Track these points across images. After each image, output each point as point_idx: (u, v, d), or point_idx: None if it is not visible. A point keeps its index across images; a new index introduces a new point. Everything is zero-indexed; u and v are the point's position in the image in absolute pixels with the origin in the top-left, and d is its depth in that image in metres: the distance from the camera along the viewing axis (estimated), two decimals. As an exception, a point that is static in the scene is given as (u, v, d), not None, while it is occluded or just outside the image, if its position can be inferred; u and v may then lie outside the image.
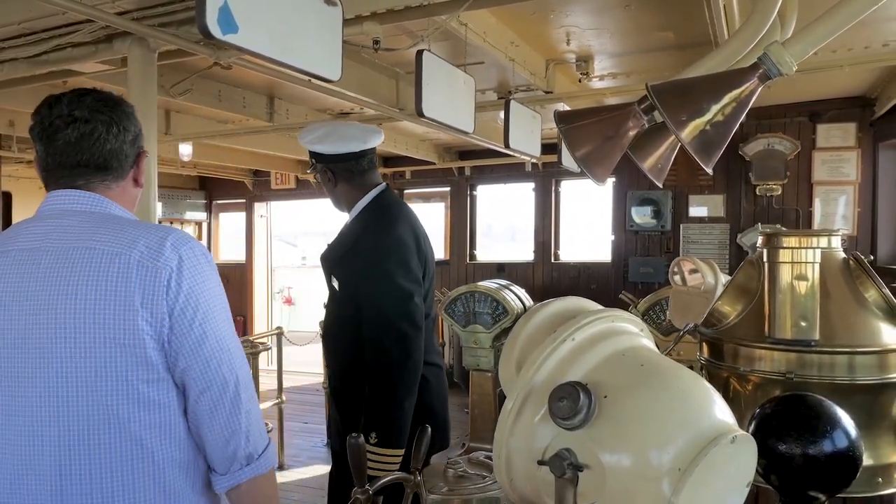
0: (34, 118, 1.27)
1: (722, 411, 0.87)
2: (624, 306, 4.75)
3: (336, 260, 2.17)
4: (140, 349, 1.14)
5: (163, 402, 1.18)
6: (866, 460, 1.19)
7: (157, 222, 3.21)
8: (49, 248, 1.18)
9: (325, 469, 4.85)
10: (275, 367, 5.35)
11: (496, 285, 5.20)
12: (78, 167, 1.26)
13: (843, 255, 1.55)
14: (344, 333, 2.13)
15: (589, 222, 7.67)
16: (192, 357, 1.18)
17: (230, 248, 9.74)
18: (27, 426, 1.14)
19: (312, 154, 2.19)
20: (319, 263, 2.26)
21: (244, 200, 9.29)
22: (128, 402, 1.14)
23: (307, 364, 7.89)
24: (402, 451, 1.93)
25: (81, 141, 1.24)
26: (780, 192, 5.84)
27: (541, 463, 0.86)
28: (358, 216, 2.17)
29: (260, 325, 9.10)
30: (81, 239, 1.18)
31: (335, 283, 2.13)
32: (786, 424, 1.13)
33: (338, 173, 2.18)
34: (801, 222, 5.77)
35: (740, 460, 0.86)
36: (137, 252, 1.16)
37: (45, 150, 1.26)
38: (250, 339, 5.18)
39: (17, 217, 7.25)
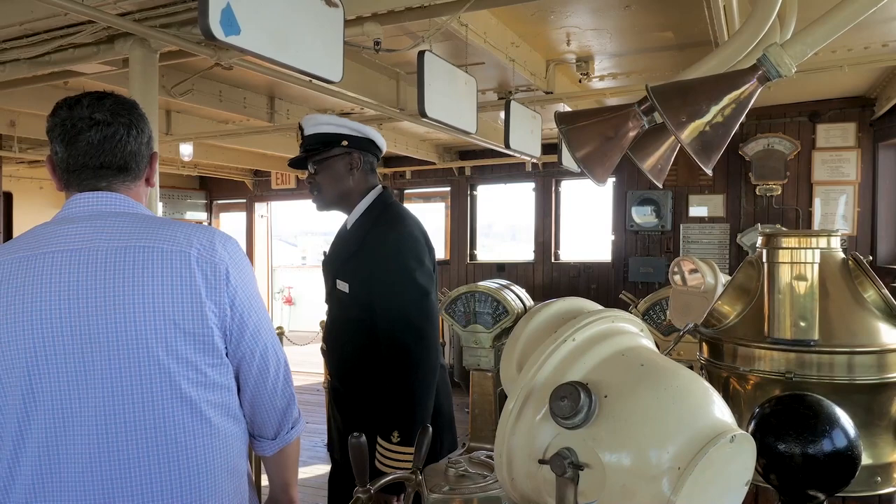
0: (52, 119, 1.31)
1: (721, 411, 0.88)
2: (624, 306, 4.76)
3: (344, 260, 2.10)
4: (208, 337, 1.25)
5: (224, 384, 1.30)
6: (865, 459, 1.20)
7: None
8: (100, 248, 1.24)
9: (325, 469, 4.85)
10: (275, 366, 5.36)
11: (496, 285, 5.19)
12: (101, 168, 1.31)
13: (842, 255, 1.56)
14: (349, 336, 2.09)
15: (589, 222, 7.68)
16: (253, 342, 1.32)
17: (230, 248, 9.74)
18: (99, 416, 1.19)
19: (344, 136, 2.09)
20: (321, 268, 2.22)
21: (244, 200, 9.30)
22: (197, 385, 1.25)
23: (307, 364, 7.90)
24: None
25: (104, 143, 1.30)
26: (779, 192, 5.85)
27: (542, 462, 0.87)
28: (363, 214, 2.12)
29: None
30: (134, 238, 1.25)
31: (342, 286, 2.07)
32: (785, 424, 1.14)
33: (363, 161, 2.14)
34: (801, 222, 5.78)
35: (739, 459, 0.86)
36: (195, 250, 1.26)
37: (66, 152, 1.30)
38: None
39: (17, 217, 7.25)
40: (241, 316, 1.30)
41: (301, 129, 2.13)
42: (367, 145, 2.14)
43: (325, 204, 2.15)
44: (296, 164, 2.16)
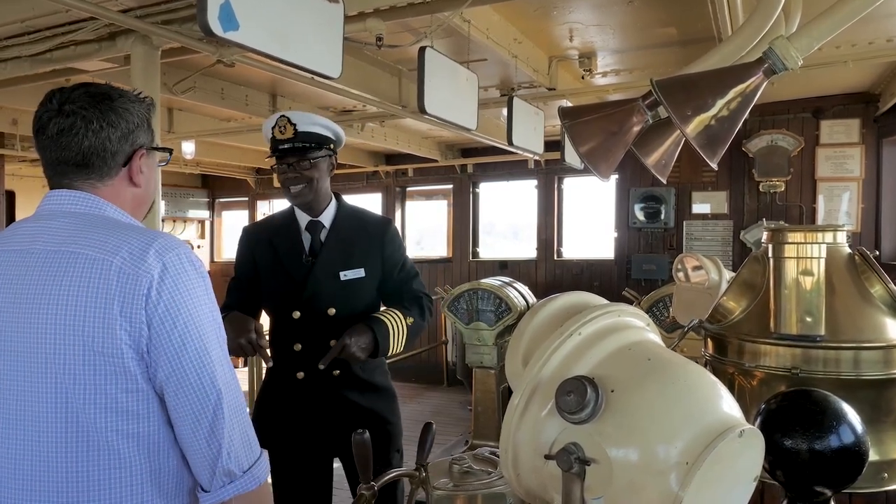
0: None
1: (729, 405, 0.87)
2: (627, 303, 4.74)
3: (350, 253, 2.21)
4: (118, 358, 1.11)
5: (141, 412, 1.15)
6: (872, 455, 1.19)
7: (160, 221, 3.21)
8: (36, 251, 1.16)
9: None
10: (278, 364, 5.35)
11: (499, 282, 5.20)
12: (59, 164, 1.23)
13: (848, 250, 1.55)
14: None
15: (592, 219, 7.65)
16: (169, 367, 1.14)
17: (233, 247, 9.72)
18: (1, 434, 1.14)
19: (330, 140, 2.22)
20: (285, 269, 2.23)
21: (247, 199, 9.29)
22: (105, 411, 1.12)
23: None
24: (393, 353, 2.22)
25: (60, 137, 1.21)
26: (783, 189, 5.83)
27: (548, 457, 0.86)
28: (339, 211, 2.28)
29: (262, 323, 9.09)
30: (66, 243, 1.16)
31: (355, 273, 2.19)
32: (792, 420, 1.13)
33: (335, 164, 2.30)
34: (805, 219, 5.76)
35: (748, 454, 0.86)
36: (119, 259, 1.13)
37: (37, 146, 1.25)
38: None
39: (20, 215, 7.27)
40: (160, 336, 1.13)
41: (291, 123, 2.15)
42: (336, 149, 2.30)
43: (310, 198, 2.22)
44: (287, 152, 2.17)
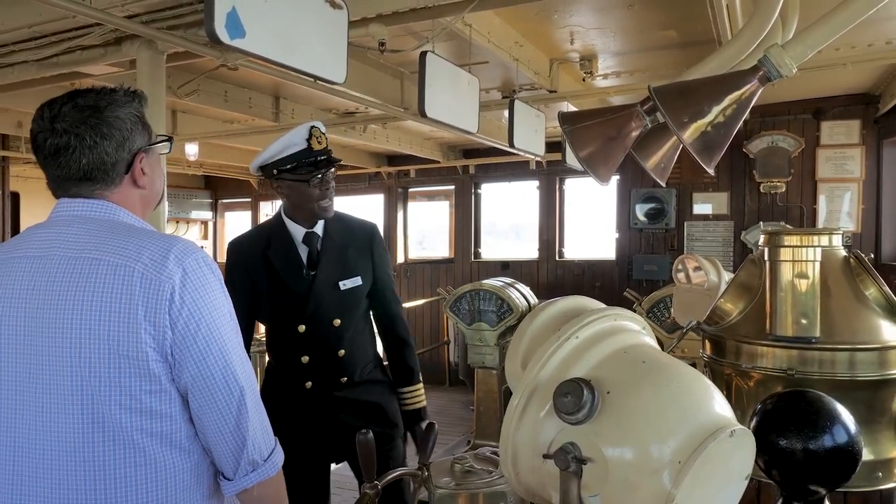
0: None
1: (721, 406, 0.89)
2: (628, 304, 4.78)
3: (345, 262, 2.22)
4: (143, 361, 1.15)
5: (165, 412, 1.19)
6: (866, 455, 1.22)
7: (164, 221, 3.23)
8: (55, 257, 1.19)
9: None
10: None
11: (501, 283, 5.23)
12: (62, 180, 1.26)
13: (843, 253, 1.57)
14: (362, 325, 2.27)
15: (593, 220, 7.67)
16: (195, 369, 1.18)
17: (236, 247, 9.75)
18: (28, 436, 1.16)
19: (335, 160, 2.21)
20: (291, 281, 2.20)
21: (249, 200, 9.32)
22: (130, 411, 1.16)
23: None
24: None
25: (58, 156, 1.23)
26: (784, 190, 5.84)
27: (546, 457, 0.89)
28: (331, 223, 2.26)
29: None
30: (86, 249, 1.19)
31: (352, 282, 2.22)
32: (786, 420, 1.16)
33: None
34: (806, 219, 5.77)
35: (739, 454, 0.88)
36: (141, 264, 1.16)
37: (38, 161, 1.28)
38: (256, 336, 5.20)
39: (25, 217, 7.31)
40: (185, 340, 1.17)
41: (324, 134, 2.16)
42: None
43: (329, 215, 2.24)
44: (330, 162, 2.16)
